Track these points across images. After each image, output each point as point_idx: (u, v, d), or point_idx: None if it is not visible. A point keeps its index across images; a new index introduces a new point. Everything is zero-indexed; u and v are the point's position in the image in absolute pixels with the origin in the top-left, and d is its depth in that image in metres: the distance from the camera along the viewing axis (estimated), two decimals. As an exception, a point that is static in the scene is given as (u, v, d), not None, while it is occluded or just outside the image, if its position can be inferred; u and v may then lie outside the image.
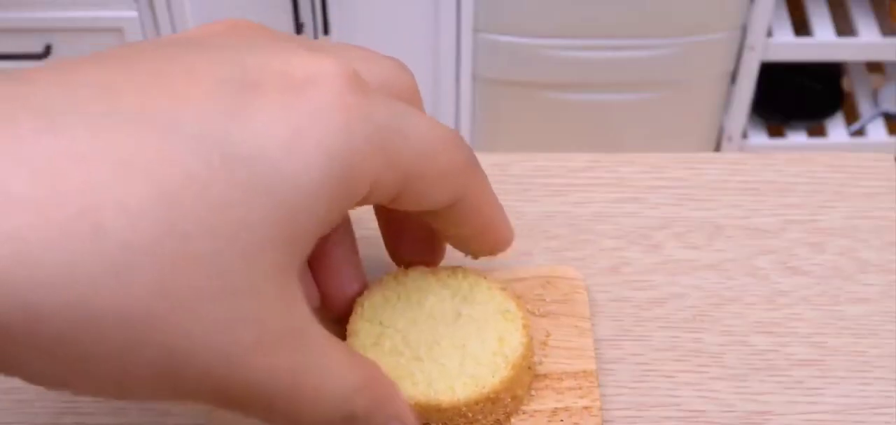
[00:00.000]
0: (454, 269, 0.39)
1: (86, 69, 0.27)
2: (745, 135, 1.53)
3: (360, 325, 0.37)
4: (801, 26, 1.46)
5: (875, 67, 1.62)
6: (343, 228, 0.38)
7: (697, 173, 0.48)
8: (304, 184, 0.27)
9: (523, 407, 0.38)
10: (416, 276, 0.39)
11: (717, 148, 1.53)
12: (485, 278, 0.39)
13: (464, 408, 0.36)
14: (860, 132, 1.54)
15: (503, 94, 1.44)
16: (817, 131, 1.55)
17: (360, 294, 0.38)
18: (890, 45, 1.44)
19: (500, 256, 0.43)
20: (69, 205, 0.23)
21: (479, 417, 0.37)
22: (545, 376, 0.39)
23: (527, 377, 0.38)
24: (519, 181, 0.47)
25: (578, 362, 0.40)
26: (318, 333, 0.30)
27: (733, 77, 1.45)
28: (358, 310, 0.38)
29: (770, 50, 1.42)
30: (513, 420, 0.38)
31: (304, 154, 0.27)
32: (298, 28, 1.29)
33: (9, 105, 0.24)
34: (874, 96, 1.57)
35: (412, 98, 0.35)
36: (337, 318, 0.38)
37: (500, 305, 0.38)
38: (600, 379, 0.40)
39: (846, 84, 1.59)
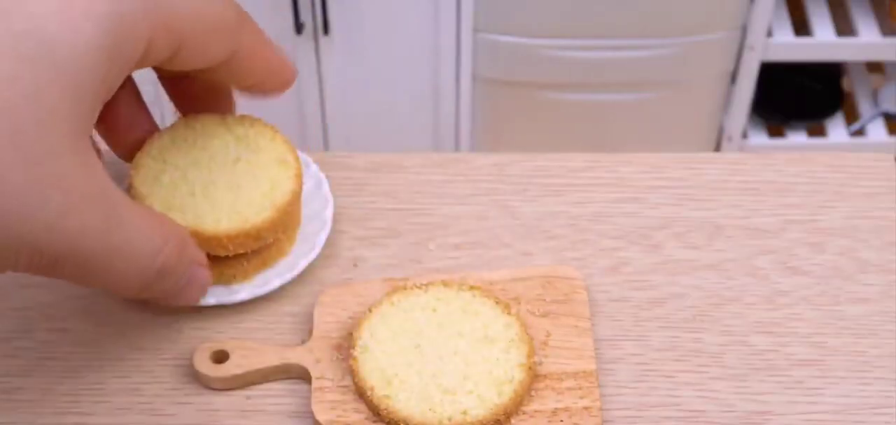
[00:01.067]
0: (243, 118, 0.41)
1: None
2: (745, 135, 1.52)
3: (145, 161, 0.40)
4: (801, 26, 1.46)
5: (875, 67, 1.62)
6: (126, 82, 0.40)
7: (697, 173, 0.48)
8: (80, 48, 0.30)
9: (523, 408, 0.38)
10: (207, 122, 0.41)
11: (717, 148, 1.53)
12: (271, 128, 0.41)
13: (225, 240, 0.38)
14: (860, 132, 1.54)
15: (503, 94, 1.43)
16: (817, 131, 1.55)
17: (147, 138, 0.41)
18: (890, 45, 1.44)
19: (502, 258, 0.43)
20: None
21: (241, 252, 0.39)
22: (545, 376, 0.39)
23: (292, 223, 0.42)
24: (519, 181, 0.47)
25: (578, 362, 0.40)
26: (121, 195, 0.33)
27: (733, 77, 1.45)
28: (146, 148, 0.40)
29: (770, 50, 1.41)
30: (513, 420, 0.38)
31: (75, 20, 0.30)
32: (299, 28, 1.29)
33: None
34: (874, 96, 1.57)
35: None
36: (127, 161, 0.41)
37: (279, 154, 0.41)
38: (600, 379, 0.40)
39: (846, 84, 1.59)
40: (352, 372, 0.38)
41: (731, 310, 0.42)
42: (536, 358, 0.39)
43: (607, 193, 0.47)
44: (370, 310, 0.39)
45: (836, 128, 1.56)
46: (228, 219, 0.39)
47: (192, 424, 0.39)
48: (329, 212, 0.43)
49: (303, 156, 0.43)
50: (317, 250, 0.42)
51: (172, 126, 0.41)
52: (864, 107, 1.57)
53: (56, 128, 0.30)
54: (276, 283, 0.41)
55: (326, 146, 1.45)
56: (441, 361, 0.38)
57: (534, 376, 0.38)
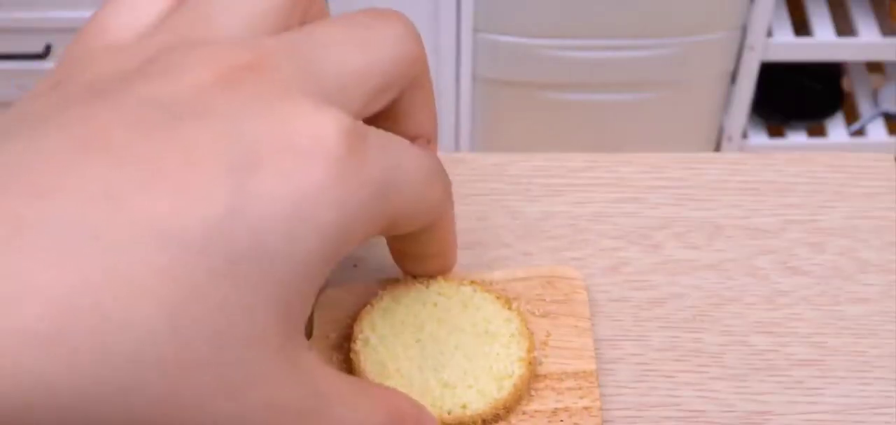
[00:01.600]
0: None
1: (87, 164, 0.25)
2: (745, 135, 1.53)
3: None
4: (801, 26, 1.46)
5: (875, 67, 1.62)
6: None
7: (697, 173, 0.48)
8: (302, 264, 0.27)
9: (523, 408, 0.38)
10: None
11: (717, 148, 1.53)
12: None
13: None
14: (860, 132, 1.54)
15: (503, 94, 1.44)
16: (817, 131, 1.55)
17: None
18: (890, 45, 1.44)
19: (502, 258, 0.43)
20: (78, 329, 0.23)
21: None
22: (545, 376, 0.39)
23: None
24: (519, 181, 0.47)
25: (578, 362, 0.40)
26: (332, 384, 0.30)
27: (733, 77, 1.45)
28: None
29: (770, 50, 1.42)
30: (513, 420, 0.38)
31: (301, 234, 0.27)
32: (298, 28, 1.29)
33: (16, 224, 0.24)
34: (874, 96, 1.57)
35: (419, 73, 0.34)
36: None
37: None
38: (600, 379, 0.40)
39: (846, 84, 1.59)
40: (352, 366, 0.38)
41: (731, 309, 0.42)
42: (537, 357, 0.39)
43: (607, 193, 0.47)
44: (371, 305, 0.39)
45: (836, 128, 1.56)
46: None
47: (191, 424, 0.39)
48: None
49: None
50: None
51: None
52: (864, 107, 1.57)
53: (266, 347, 0.27)
54: None
55: (326, 146, 1.45)
56: (441, 355, 0.38)
57: (534, 371, 0.38)
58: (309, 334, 0.41)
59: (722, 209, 0.46)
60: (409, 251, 0.38)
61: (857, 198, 0.47)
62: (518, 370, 0.38)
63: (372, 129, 0.30)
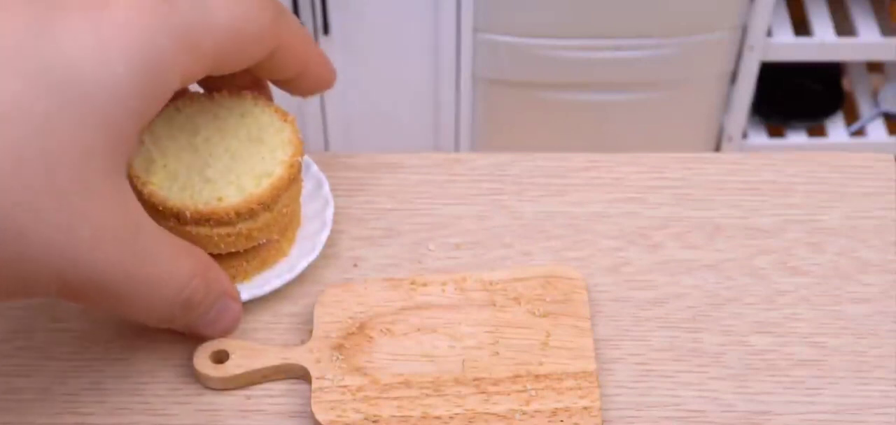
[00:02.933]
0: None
1: None
2: (745, 136, 1.52)
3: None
4: (801, 26, 1.46)
5: (875, 67, 1.62)
6: None
7: (697, 173, 0.48)
8: (115, 89, 0.31)
9: (523, 408, 0.38)
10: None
11: (717, 148, 1.53)
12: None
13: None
14: (860, 132, 1.54)
15: (503, 94, 1.43)
16: (817, 131, 1.55)
17: None
18: (890, 45, 1.44)
19: (502, 258, 0.43)
20: None
21: (247, 231, 0.39)
22: (545, 376, 0.39)
23: (292, 223, 0.42)
24: (519, 181, 0.47)
25: (578, 362, 0.40)
26: (152, 228, 0.34)
27: (733, 77, 1.45)
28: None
29: (770, 50, 1.41)
30: (516, 420, 0.38)
31: (112, 62, 0.31)
32: (298, 28, 1.30)
33: None
34: (874, 96, 1.57)
35: None
36: None
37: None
38: (600, 379, 0.40)
39: (846, 84, 1.59)
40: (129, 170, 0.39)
41: (731, 309, 0.42)
42: (536, 358, 0.40)
43: (607, 193, 0.47)
44: (159, 114, 0.40)
45: (836, 128, 1.56)
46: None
47: (191, 424, 0.39)
48: (330, 213, 0.43)
49: (306, 158, 0.44)
50: (317, 250, 0.42)
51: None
52: (864, 107, 1.57)
53: (91, 166, 0.31)
54: (275, 284, 0.41)
55: (326, 146, 1.45)
56: (210, 157, 0.39)
57: (296, 175, 0.40)
58: (308, 333, 0.41)
59: (722, 209, 0.46)
60: (274, 79, 0.41)
61: (857, 198, 0.47)
62: (278, 170, 0.39)
63: None
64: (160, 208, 0.38)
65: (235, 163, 0.40)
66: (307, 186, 0.44)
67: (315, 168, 0.45)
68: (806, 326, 0.42)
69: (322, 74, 0.41)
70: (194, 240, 0.38)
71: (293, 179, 0.40)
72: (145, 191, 0.38)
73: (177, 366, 0.40)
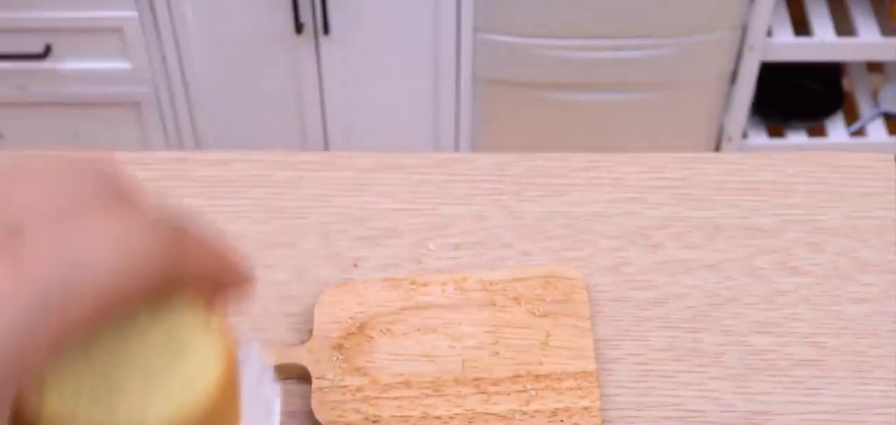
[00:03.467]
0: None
1: None
2: (745, 136, 1.52)
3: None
4: (801, 26, 1.46)
5: (875, 67, 1.62)
6: None
7: (697, 173, 0.48)
8: None
9: (523, 408, 0.38)
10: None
11: (717, 148, 1.53)
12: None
13: None
14: (860, 132, 1.54)
15: (503, 94, 1.44)
16: (817, 131, 1.55)
17: None
18: (890, 45, 1.44)
19: (502, 258, 0.43)
20: None
21: None
22: (545, 376, 0.39)
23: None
24: (519, 181, 0.47)
25: (578, 362, 0.40)
26: None
27: (733, 77, 1.45)
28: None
29: (770, 50, 1.41)
30: (517, 420, 0.38)
31: None
32: (299, 28, 1.29)
33: None
34: (874, 96, 1.57)
35: (110, 187, 0.31)
36: None
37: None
38: (600, 379, 0.40)
39: (846, 84, 1.59)
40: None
41: (731, 309, 0.42)
42: (536, 358, 0.39)
43: (607, 193, 0.47)
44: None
45: (836, 128, 1.56)
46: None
47: None
48: (277, 405, 0.35)
49: (246, 345, 0.35)
50: None
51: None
52: (864, 107, 1.57)
53: None
54: None
55: (326, 146, 1.45)
56: (117, 379, 0.31)
57: (230, 390, 0.32)
58: (308, 333, 0.41)
59: (722, 209, 0.46)
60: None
61: (857, 198, 0.47)
62: (207, 392, 0.31)
63: (39, 230, 0.28)
64: None
65: (151, 386, 0.31)
66: (249, 378, 0.35)
67: (256, 354, 0.36)
68: (806, 326, 0.42)
69: (238, 277, 0.33)
70: None
71: (228, 396, 0.32)
72: (45, 411, 0.30)
73: (177, 366, 0.40)
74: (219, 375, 0.31)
